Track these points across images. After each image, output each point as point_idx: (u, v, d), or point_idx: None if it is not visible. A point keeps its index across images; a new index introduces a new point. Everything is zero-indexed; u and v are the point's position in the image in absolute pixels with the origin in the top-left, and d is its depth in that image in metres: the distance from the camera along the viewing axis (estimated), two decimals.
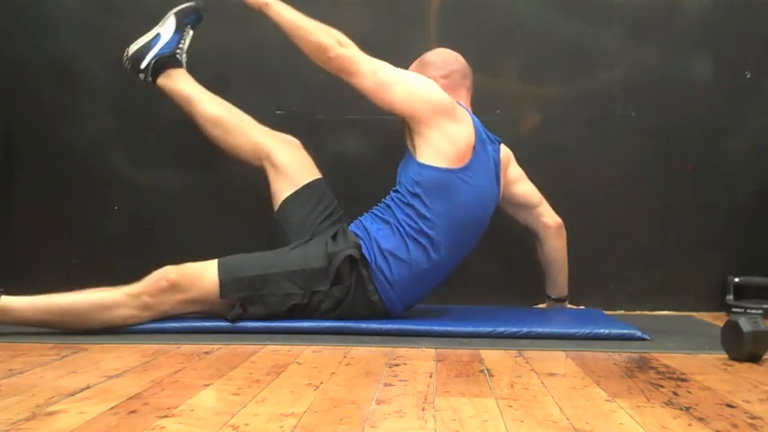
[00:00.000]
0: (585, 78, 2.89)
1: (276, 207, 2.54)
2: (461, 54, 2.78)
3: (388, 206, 2.39)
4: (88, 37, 2.92)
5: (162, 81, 2.59)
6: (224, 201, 2.90)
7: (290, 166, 2.55)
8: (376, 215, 2.40)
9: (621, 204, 2.87)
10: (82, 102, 2.92)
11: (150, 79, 2.59)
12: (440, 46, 2.85)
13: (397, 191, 2.41)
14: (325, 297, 2.27)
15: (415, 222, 2.33)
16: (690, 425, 1.31)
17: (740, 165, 2.88)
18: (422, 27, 2.89)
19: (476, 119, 2.46)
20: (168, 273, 2.22)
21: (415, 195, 2.34)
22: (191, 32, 2.64)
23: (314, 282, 2.27)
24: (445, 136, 2.36)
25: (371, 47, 2.90)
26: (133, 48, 2.58)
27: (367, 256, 2.31)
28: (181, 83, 2.59)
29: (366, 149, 2.89)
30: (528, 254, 2.71)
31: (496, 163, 2.47)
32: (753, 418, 1.36)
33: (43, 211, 2.83)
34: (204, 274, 2.25)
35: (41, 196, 2.91)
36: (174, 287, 2.21)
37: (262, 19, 2.92)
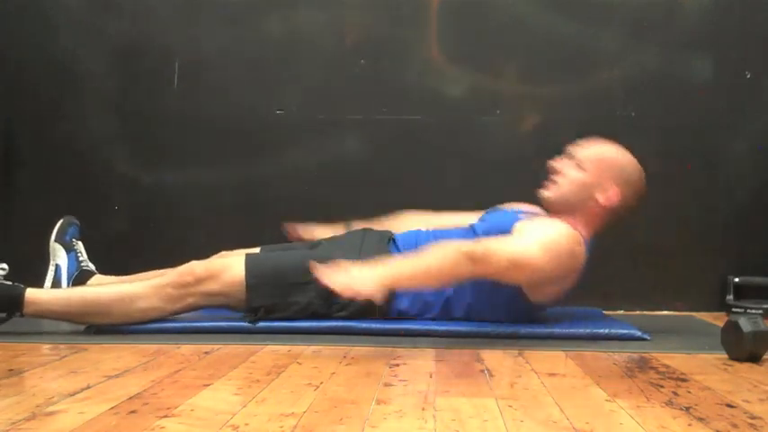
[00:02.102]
0: (585, 78, 2.88)
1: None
2: (460, 54, 2.79)
3: None
4: (88, 37, 2.93)
5: None
6: (225, 200, 2.90)
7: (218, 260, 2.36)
8: None
9: None
10: (82, 102, 2.92)
11: None
12: (439, 45, 2.86)
13: None
14: (342, 308, 2.27)
15: (465, 298, 2.28)
16: (690, 425, 1.31)
17: (740, 165, 2.88)
18: (422, 27, 2.89)
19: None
20: (194, 267, 2.22)
21: (490, 290, 2.25)
22: (80, 243, 2.65)
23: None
24: (559, 288, 2.27)
25: (372, 47, 2.92)
26: (47, 288, 2.57)
27: None
28: (105, 285, 2.52)
29: (366, 149, 2.89)
30: None
31: None
32: (753, 418, 1.36)
33: (43, 211, 2.83)
34: (231, 272, 2.24)
35: (41, 196, 2.91)
36: (199, 282, 2.21)
37: (262, 19, 2.93)
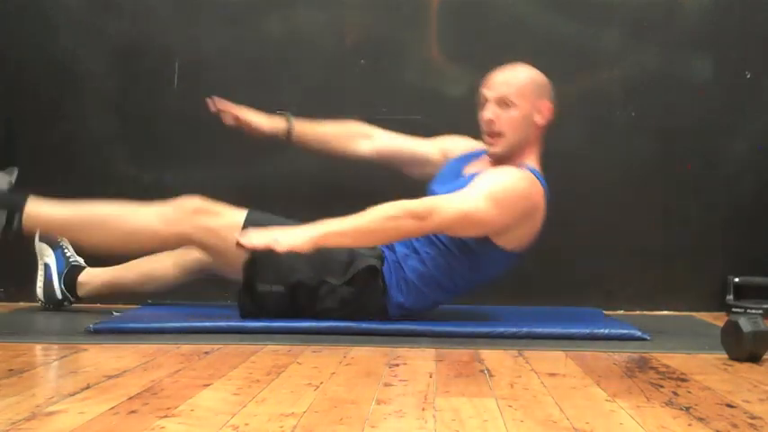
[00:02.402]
0: (585, 78, 2.88)
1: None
2: (460, 54, 2.78)
3: (428, 239, 2.30)
4: (88, 37, 2.92)
5: (82, 291, 2.60)
6: (225, 200, 2.89)
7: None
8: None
9: (622, 204, 2.87)
10: (82, 102, 2.91)
11: (74, 299, 2.61)
12: (439, 45, 2.86)
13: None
14: (331, 292, 2.26)
15: (451, 274, 2.31)
16: (690, 425, 1.31)
17: (740, 165, 2.88)
18: (422, 27, 2.89)
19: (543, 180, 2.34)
20: (197, 197, 2.28)
21: (466, 256, 2.29)
22: (65, 239, 2.67)
23: (328, 272, 2.27)
24: (526, 230, 2.30)
25: (372, 47, 2.92)
26: (39, 292, 2.62)
27: (386, 274, 2.30)
28: (97, 275, 2.60)
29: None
30: (529, 253, 2.71)
31: None
32: (753, 418, 1.36)
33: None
34: (232, 215, 2.28)
35: (41, 196, 2.90)
36: (198, 212, 2.26)
37: (262, 19, 2.93)
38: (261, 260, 2.24)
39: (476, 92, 2.82)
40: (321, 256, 2.25)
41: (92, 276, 2.59)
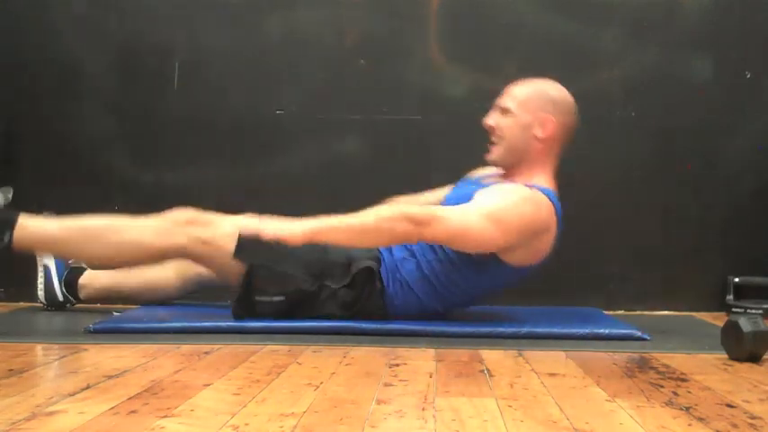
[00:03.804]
0: (585, 78, 2.88)
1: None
2: (460, 54, 2.78)
3: (430, 245, 2.27)
4: (89, 37, 2.92)
5: (83, 294, 2.61)
6: (225, 200, 2.89)
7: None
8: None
9: (621, 204, 2.87)
10: (82, 102, 2.92)
11: (76, 301, 2.62)
12: (439, 45, 2.85)
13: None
14: (332, 296, 2.26)
15: (449, 282, 2.29)
16: (690, 425, 1.31)
17: (740, 165, 2.88)
18: (422, 27, 2.89)
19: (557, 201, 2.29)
20: (190, 209, 2.25)
21: (468, 268, 2.27)
22: None
23: (327, 275, 2.27)
24: (535, 248, 2.25)
25: (372, 47, 2.92)
26: (41, 295, 2.61)
27: (383, 276, 2.30)
28: (98, 279, 2.60)
29: (366, 149, 2.89)
30: None
31: None
32: (753, 418, 1.36)
33: (43, 212, 2.83)
34: (225, 222, 2.26)
35: (42, 196, 2.91)
36: (191, 222, 2.23)
37: (262, 19, 2.93)
38: (259, 271, 2.24)
39: (475, 91, 2.84)
40: (320, 262, 2.26)
41: (92, 279, 2.59)
